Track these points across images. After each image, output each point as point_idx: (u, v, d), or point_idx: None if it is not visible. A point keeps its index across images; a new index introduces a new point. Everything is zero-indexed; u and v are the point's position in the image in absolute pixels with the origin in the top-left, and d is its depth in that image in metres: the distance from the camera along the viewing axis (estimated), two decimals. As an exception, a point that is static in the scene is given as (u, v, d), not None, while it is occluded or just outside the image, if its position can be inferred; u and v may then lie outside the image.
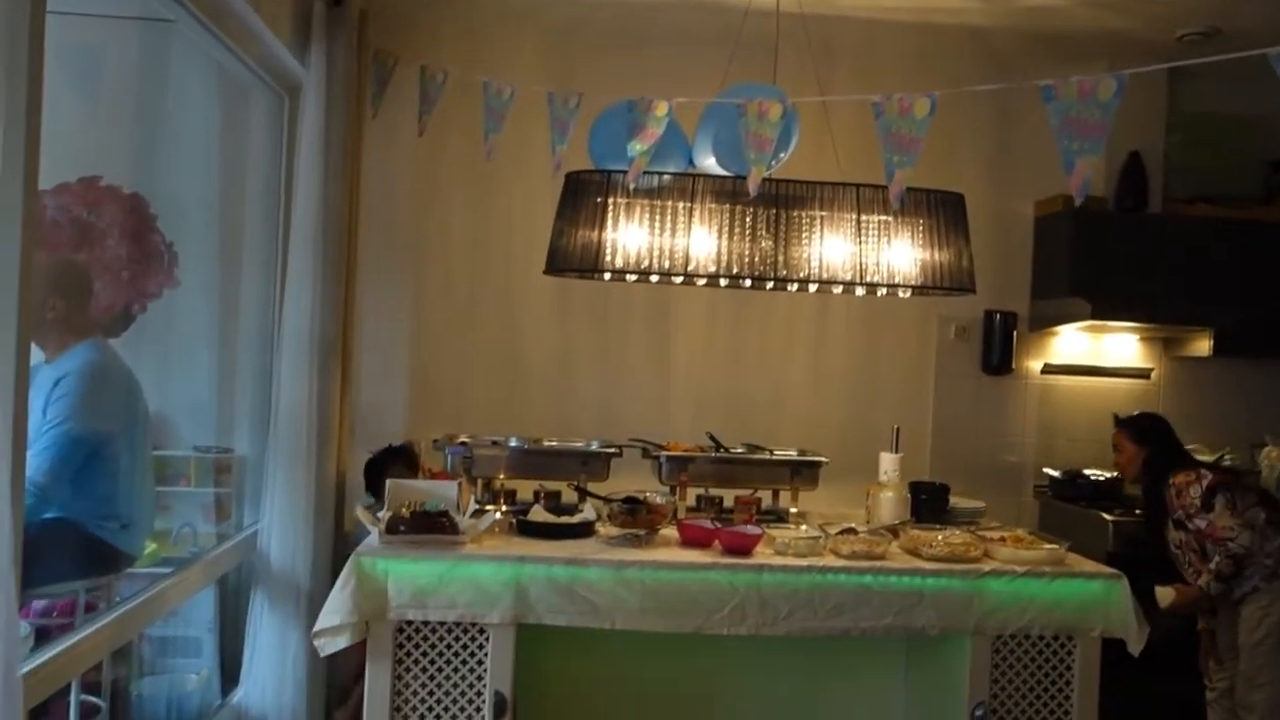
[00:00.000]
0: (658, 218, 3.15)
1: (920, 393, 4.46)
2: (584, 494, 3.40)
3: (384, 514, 3.02)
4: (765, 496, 3.67)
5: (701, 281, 3.35)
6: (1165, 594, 3.35)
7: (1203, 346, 4.29)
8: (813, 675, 3.47)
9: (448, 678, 2.91)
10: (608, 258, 3.14)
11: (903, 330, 4.42)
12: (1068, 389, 4.53)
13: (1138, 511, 3.75)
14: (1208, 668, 3.48)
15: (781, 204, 3.13)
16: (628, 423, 3.97)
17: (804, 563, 3.00)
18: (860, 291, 3.32)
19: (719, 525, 3.21)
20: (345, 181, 3.63)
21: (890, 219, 3.15)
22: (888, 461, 3.55)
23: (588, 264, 3.19)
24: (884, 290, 3.27)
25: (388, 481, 3.19)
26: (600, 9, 4.11)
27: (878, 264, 3.16)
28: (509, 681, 2.91)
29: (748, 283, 3.33)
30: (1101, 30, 4.02)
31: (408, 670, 2.90)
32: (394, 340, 4.21)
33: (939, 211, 3.20)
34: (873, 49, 4.21)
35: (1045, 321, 4.43)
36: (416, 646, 2.91)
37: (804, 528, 3.29)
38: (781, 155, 3.17)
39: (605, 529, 3.20)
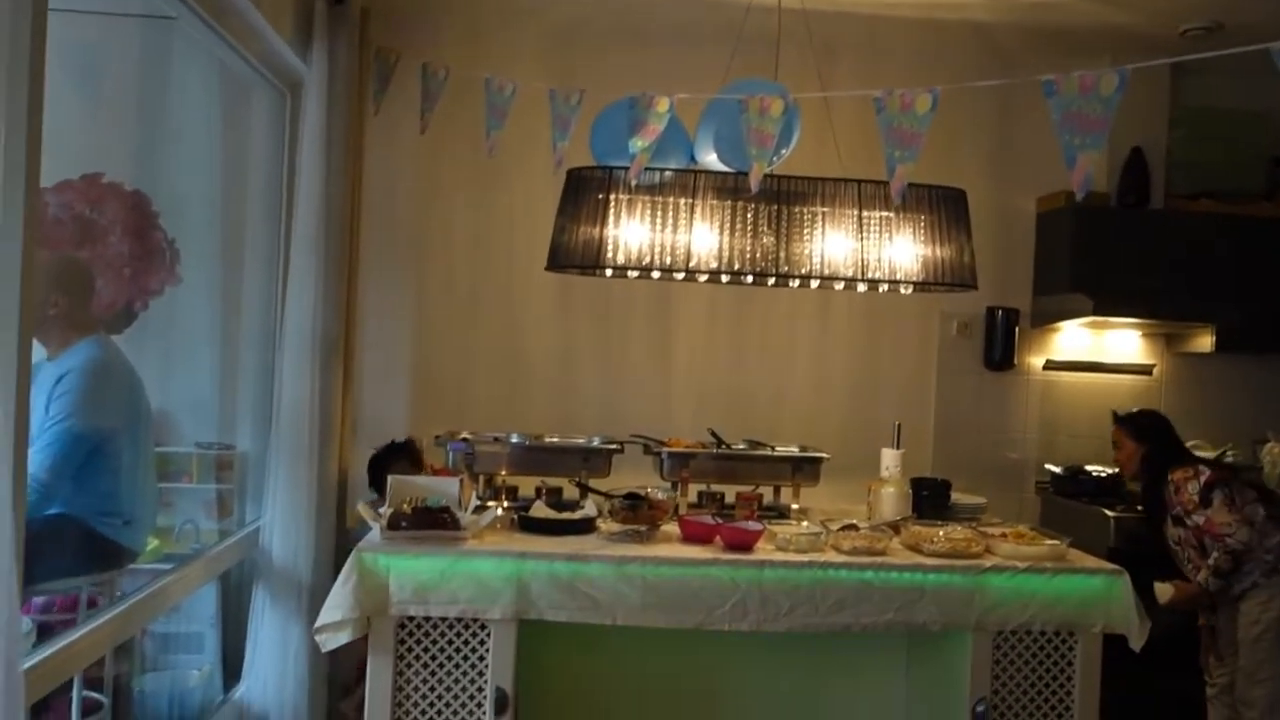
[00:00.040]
0: (659, 214, 3.15)
1: (922, 389, 4.46)
2: (585, 490, 3.40)
3: (385, 510, 3.02)
4: (767, 492, 3.67)
5: (703, 278, 3.35)
6: (1164, 590, 3.35)
7: (1205, 342, 4.29)
8: (814, 671, 3.47)
9: (449, 673, 2.91)
10: (609, 254, 3.15)
11: (904, 326, 4.42)
12: (1070, 385, 4.53)
13: (1139, 508, 3.75)
14: (1208, 663, 3.49)
15: (783, 200, 3.13)
16: (629, 419, 3.97)
17: (805, 558, 3.00)
18: (862, 288, 3.32)
19: (720, 521, 3.21)
20: (347, 178, 3.64)
21: (892, 215, 3.15)
22: (889, 457, 3.55)
23: (589, 260, 3.19)
24: (885, 286, 3.27)
25: (389, 478, 3.19)
26: (602, 6, 4.11)
27: (879, 260, 3.16)
28: (510, 677, 2.92)
29: (749, 279, 3.33)
30: (1104, 25, 4.02)
31: (409, 666, 2.91)
32: (396, 337, 4.22)
33: (941, 207, 3.20)
34: (875, 45, 4.21)
35: (1047, 317, 4.43)
36: (418, 642, 2.91)
37: (805, 524, 3.29)
38: (783, 151, 3.17)
39: (606, 525, 3.20)
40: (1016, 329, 4.45)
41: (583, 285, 4.09)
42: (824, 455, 3.66)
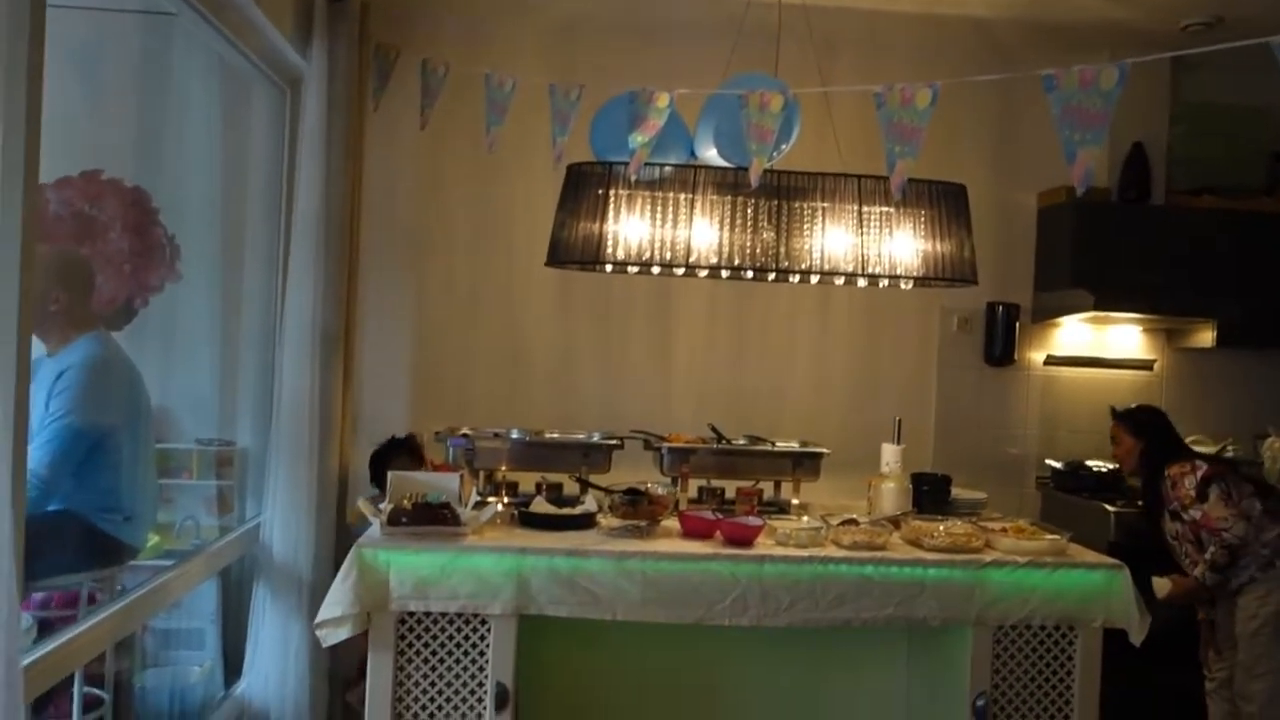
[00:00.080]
0: (659, 209, 3.15)
1: (922, 384, 4.46)
2: (585, 485, 3.41)
3: (386, 505, 3.03)
4: (767, 488, 3.68)
5: (703, 273, 3.35)
6: (1162, 585, 3.36)
7: (1205, 338, 4.29)
8: (814, 666, 3.48)
9: (449, 669, 2.92)
10: (609, 249, 3.14)
11: (905, 322, 4.42)
12: (1070, 380, 4.53)
13: (1139, 503, 3.75)
14: (1207, 658, 3.49)
15: (783, 195, 3.13)
16: (629, 416, 3.96)
17: (805, 553, 3.00)
18: (862, 283, 3.31)
19: (720, 516, 3.21)
20: (347, 175, 3.64)
21: (892, 210, 3.15)
22: (889, 453, 3.55)
23: (589, 256, 3.19)
24: (886, 282, 3.27)
25: (389, 473, 3.19)
26: (602, 2, 4.10)
27: (879, 255, 3.15)
28: (510, 672, 2.92)
29: (749, 274, 3.33)
30: (1105, 21, 4.01)
31: (409, 661, 2.91)
32: (396, 333, 4.22)
33: (941, 202, 3.20)
34: (875, 41, 4.21)
35: (1048, 313, 4.43)
36: (418, 638, 2.91)
37: (805, 519, 3.29)
38: (783, 146, 3.16)
39: (607, 520, 3.20)
40: (1017, 324, 4.45)
41: (583, 281, 4.10)
42: (824, 450, 3.66)
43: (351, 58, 3.56)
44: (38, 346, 2.48)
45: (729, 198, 3.13)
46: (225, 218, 3.56)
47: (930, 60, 4.12)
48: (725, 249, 3.12)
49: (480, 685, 2.92)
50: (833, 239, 3.15)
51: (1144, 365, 4.54)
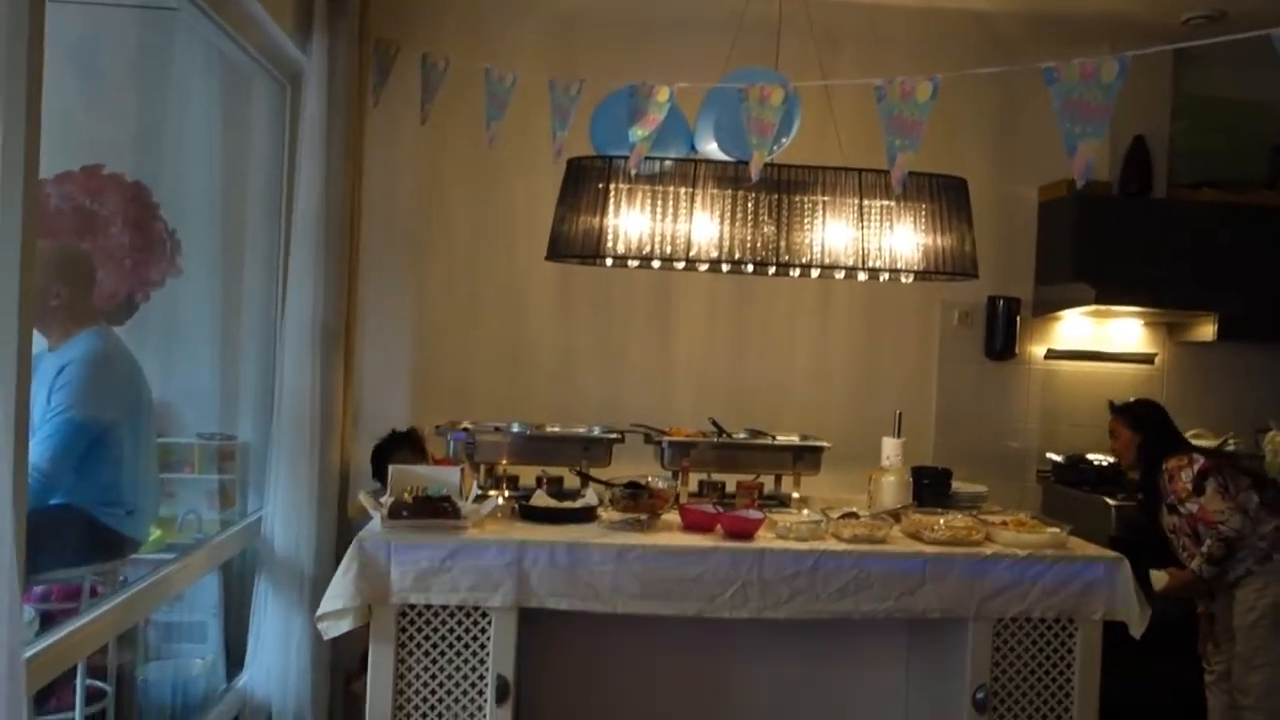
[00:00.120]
0: (659, 203, 3.15)
1: (923, 378, 4.46)
2: (586, 479, 3.41)
3: (387, 499, 3.03)
4: (768, 482, 3.68)
5: (703, 267, 3.35)
6: (1159, 577, 3.36)
7: (1207, 331, 4.28)
8: (814, 659, 3.49)
9: (450, 661, 2.93)
10: (609, 244, 3.15)
11: (905, 316, 4.42)
12: (1071, 374, 4.52)
13: (1140, 496, 3.75)
14: (1206, 651, 3.50)
15: (783, 189, 3.13)
16: (630, 411, 3.96)
17: (806, 547, 3.01)
18: (863, 277, 3.32)
19: (721, 510, 3.22)
20: (347, 170, 3.64)
21: (893, 204, 3.15)
22: (890, 446, 3.56)
23: (589, 250, 3.19)
24: (886, 275, 3.27)
25: (390, 467, 3.20)
26: (602, -4, 4.11)
27: (880, 249, 3.15)
28: (511, 665, 2.93)
29: (750, 268, 3.33)
30: (1107, 14, 4.01)
31: (410, 654, 2.92)
32: (396, 328, 4.22)
33: (942, 196, 3.20)
34: (876, 35, 4.20)
35: (1049, 307, 4.42)
36: (419, 630, 2.93)
37: (806, 512, 3.30)
38: (783, 140, 3.17)
39: (607, 514, 3.21)
40: (1018, 318, 4.45)
41: (584, 275, 4.10)
42: (825, 444, 3.66)
43: (351, 53, 3.55)
44: (39, 341, 2.49)
45: (729, 192, 3.13)
46: (226, 213, 3.56)
47: (931, 53, 4.11)
48: (726, 243, 3.13)
49: (481, 678, 2.93)
50: (833, 233, 3.15)
51: (1145, 359, 4.54)
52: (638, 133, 2.94)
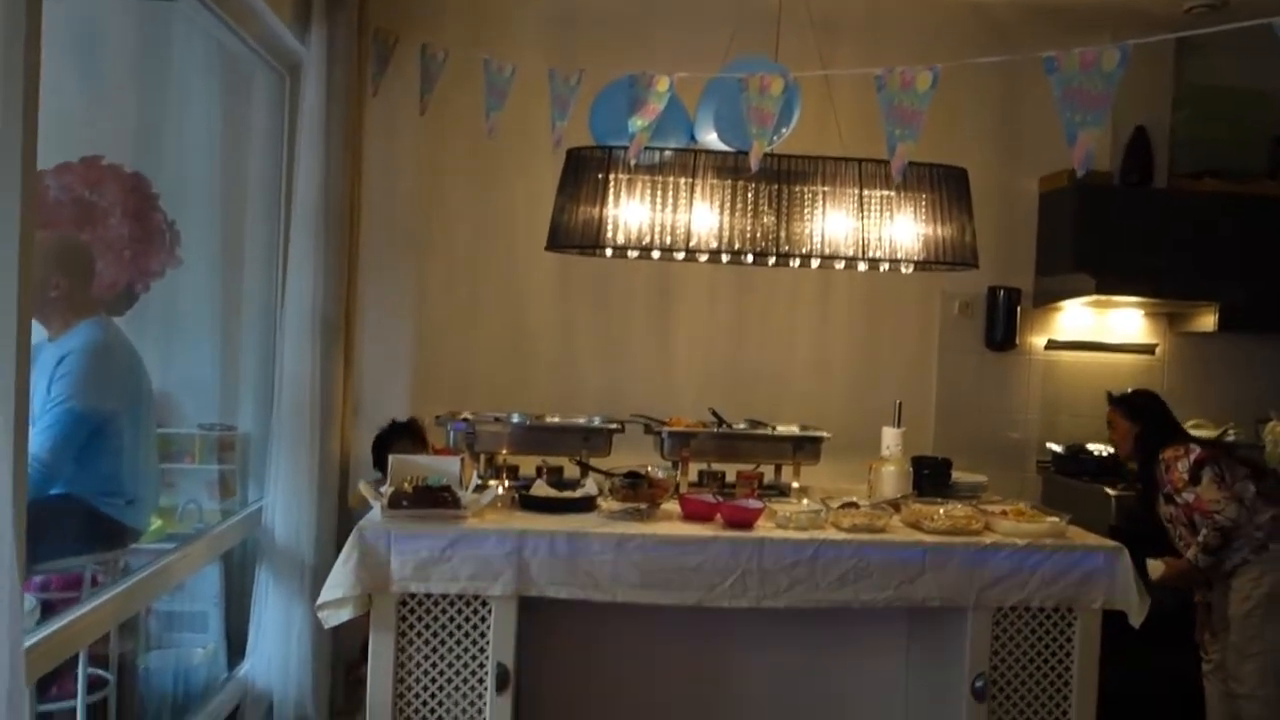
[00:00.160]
0: (659, 193, 3.15)
1: (923, 368, 4.46)
2: (586, 469, 3.42)
3: (387, 489, 3.04)
4: (767, 471, 3.69)
5: (703, 257, 3.35)
6: (1155, 567, 3.37)
7: (1208, 322, 4.28)
8: (814, 648, 3.49)
9: (450, 650, 2.93)
10: (609, 234, 3.15)
11: (906, 306, 4.42)
12: (1071, 365, 4.53)
13: (1138, 486, 3.75)
14: (1204, 640, 3.50)
15: (783, 179, 3.13)
16: (630, 401, 3.97)
17: (805, 536, 3.01)
18: (863, 267, 3.31)
19: (721, 499, 3.22)
20: (347, 160, 3.64)
21: (893, 194, 3.14)
22: (890, 436, 3.56)
23: (589, 240, 3.19)
24: (886, 266, 3.27)
25: (390, 457, 3.20)
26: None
27: (880, 239, 3.15)
28: (511, 654, 2.94)
29: (750, 258, 3.33)
30: (1108, 2, 4.00)
31: (410, 643, 2.93)
32: (396, 319, 4.22)
33: (942, 186, 3.19)
34: (875, 24, 4.19)
35: (1049, 297, 4.42)
36: (419, 619, 2.93)
37: (806, 502, 3.30)
38: (783, 130, 3.16)
39: (607, 503, 3.21)
40: (1018, 308, 4.45)
41: (584, 266, 4.09)
42: (825, 434, 3.66)
43: (351, 43, 3.55)
44: (39, 332, 2.50)
45: (729, 182, 3.12)
46: (225, 204, 3.56)
47: (931, 43, 4.10)
48: (725, 233, 3.12)
49: (481, 666, 2.94)
50: (833, 223, 3.14)
51: (1146, 349, 4.54)
52: (637, 123, 2.94)
